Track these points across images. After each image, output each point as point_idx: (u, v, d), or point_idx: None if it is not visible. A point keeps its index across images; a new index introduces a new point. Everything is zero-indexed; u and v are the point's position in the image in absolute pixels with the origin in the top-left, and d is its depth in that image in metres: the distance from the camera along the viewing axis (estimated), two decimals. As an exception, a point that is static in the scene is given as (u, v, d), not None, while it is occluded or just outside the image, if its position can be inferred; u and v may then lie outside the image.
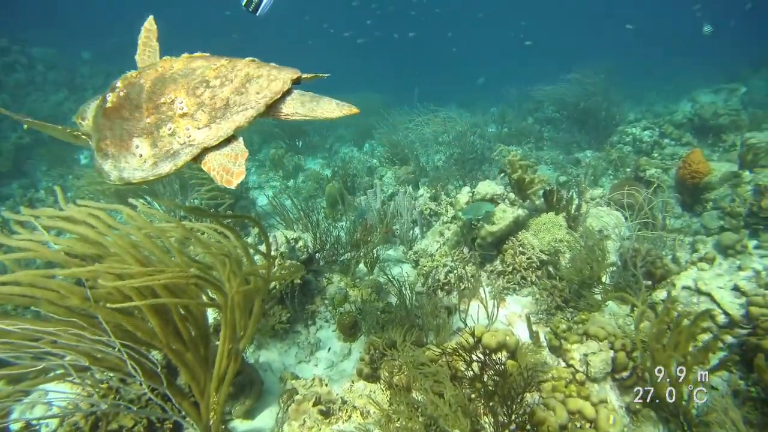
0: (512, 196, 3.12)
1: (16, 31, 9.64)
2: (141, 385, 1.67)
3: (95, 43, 11.43)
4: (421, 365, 1.89)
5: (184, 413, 1.86)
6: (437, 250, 3.31)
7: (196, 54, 1.25)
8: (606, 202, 3.60)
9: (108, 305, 1.50)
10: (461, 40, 26.26)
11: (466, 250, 3.09)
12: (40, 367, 1.43)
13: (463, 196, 3.01)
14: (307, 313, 2.95)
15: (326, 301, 3.08)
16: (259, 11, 2.45)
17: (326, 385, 2.37)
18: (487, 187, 2.99)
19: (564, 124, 7.77)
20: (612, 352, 2.13)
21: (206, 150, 1.13)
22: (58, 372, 1.61)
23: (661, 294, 2.63)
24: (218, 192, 4.17)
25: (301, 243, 3.16)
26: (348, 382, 2.41)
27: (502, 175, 3.49)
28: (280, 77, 1.15)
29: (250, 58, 1.22)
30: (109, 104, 1.19)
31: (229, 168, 1.10)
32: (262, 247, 2.85)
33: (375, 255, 3.55)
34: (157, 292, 1.66)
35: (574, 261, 2.60)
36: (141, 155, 1.15)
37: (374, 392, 2.30)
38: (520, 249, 2.93)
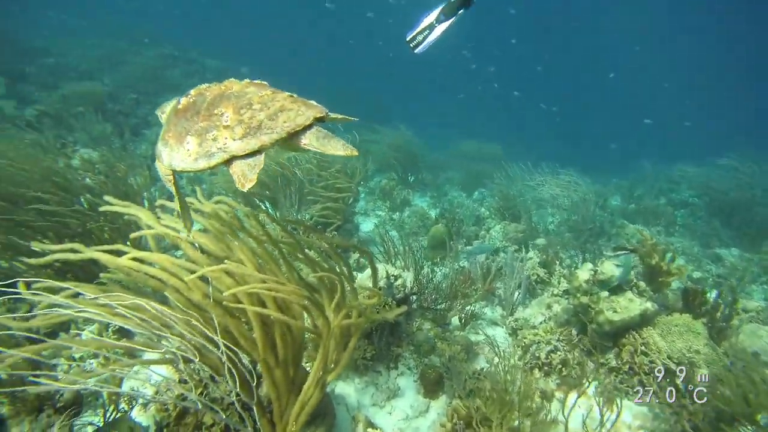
0: (642, 284, 2.75)
1: (201, 44, 11.53)
2: (230, 390, 1.72)
3: (254, 60, 13.11)
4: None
5: (259, 428, 1.87)
6: (541, 324, 3.03)
7: (255, 81, 1.50)
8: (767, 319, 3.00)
9: (227, 303, 1.58)
10: (595, 102, 24.96)
11: (575, 332, 2.78)
12: (163, 350, 1.54)
13: (584, 273, 2.73)
14: (392, 355, 2.87)
15: (412, 348, 2.97)
16: (417, 50, 2.55)
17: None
18: (614, 269, 2.68)
19: (703, 211, 6.87)
20: None
21: (234, 158, 1.34)
22: (167, 356, 1.71)
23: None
24: (330, 212, 4.36)
25: (400, 281, 3.11)
26: (421, 445, 2.25)
27: (620, 253, 3.10)
28: (306, 113, 1.37)
29: (289, 93, 1.46)
30: (180, 106, 1.45)
31: (246, 175, 1.30)
32: (363, 276, 2.87)
33: (471, 311, 3.37)
34: (266, 304, 1.72)
35: (717, 382, 2.17)
36: (188, 150, 1.37)
37: (449, 466, 2.11)
38: (643, 348, 2.54)
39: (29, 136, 4.90)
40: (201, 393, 2.05)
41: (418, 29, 2.58)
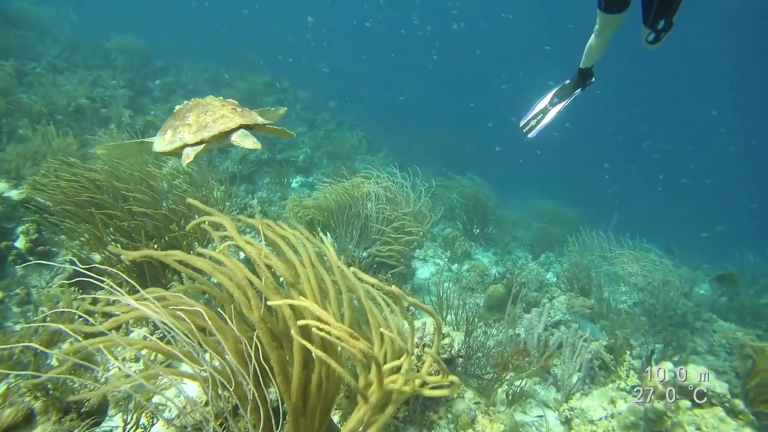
0: (739, 403, 2.29)
1: (295, 77, 12.44)
2: (251, 426, 1.62)
3: (341, 95, 13.84)
4: None
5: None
6: (601, 420, 2.64)
7: (220, 98, 2.15)
8: None
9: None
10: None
11: (644, 441, 2.37)
12: (203, 367, 1.48)
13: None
14: (426, 421, 2.63)
15: (450, 416, 2.71)
16: (530, 135, 2.50)
17: None
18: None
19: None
20: None
21: (186, 145, 1.93)
22: (203, 374, 1.63)
23: None
24: (395, 254, 4.27)
25: (447, 340, 2.90)
26: None
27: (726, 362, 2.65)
28: (236, 120, 1.96)
29: (234, 107, 2.08)
30: (174, 111, 2.12)
31: (189, 155, 1.92)
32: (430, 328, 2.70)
33: (522, 387, 3.05)
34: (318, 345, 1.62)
35: None
36: (165, 138, 2.00)
37: None
38: (731, 482, 2.08)
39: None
40: (221, 424, 1.98)
41: (532, 114, 2.54)
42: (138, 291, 1.52)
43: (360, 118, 12.28)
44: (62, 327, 1.23)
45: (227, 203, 5.74)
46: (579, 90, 2.50)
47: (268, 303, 1.55)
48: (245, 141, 1.95)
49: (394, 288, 1.55)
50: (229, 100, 2.19)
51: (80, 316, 2.73)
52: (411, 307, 4.15)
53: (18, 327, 2.78)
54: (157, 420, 2.02)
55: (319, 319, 1.43)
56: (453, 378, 1.70)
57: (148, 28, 14.50)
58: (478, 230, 7.08)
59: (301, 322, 1.43)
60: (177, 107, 2.13)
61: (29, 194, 3.28)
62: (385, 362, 1.71)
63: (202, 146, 1.97)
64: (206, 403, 1.98)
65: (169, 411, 2.19)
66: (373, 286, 1.80)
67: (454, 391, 1.73)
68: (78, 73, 8.35)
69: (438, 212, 5.28)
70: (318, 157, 9.46)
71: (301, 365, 1.56)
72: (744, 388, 2.52)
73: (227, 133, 1.96)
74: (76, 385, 1.73)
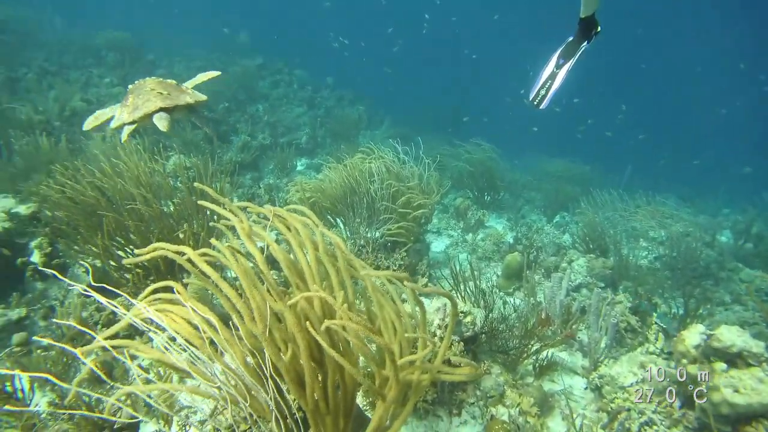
0: (775, 361, 2.23)
1: (289, 56, 12.12)
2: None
3: (337, 71, 13.46)
4: None
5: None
6: (632, 386, 2.61)
7: (167, 80, 2.61)
8: None
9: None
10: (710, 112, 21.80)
11: (678, 404, 2.34)
12: (217, 385, 1.46)
13: (693, 336, 2.28)
14: (455, 401, 2.63)
15: (479, 393, 2.71)
16: (542, 106, 2.32)
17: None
18: (734, 336, 2.21)
19: None
20: None
21: (123, 124, 2.43)
22: (217, 391, 1.58)
23: None
24: (404, 231, 4.19)
25: (470, 318, 2.87)
26: None
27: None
28: (157, 104, 2.41)
29: (162, 89, 2.52)
30: (127, 90, 2.62)
31: (124, 134, 2.45)
32: (429, 309, 2.64)
33: (548, 357, 3.03)
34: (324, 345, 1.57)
35: None
36: (115, 117, 2.51)
37: None
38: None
39: (135, 141, 5.37)
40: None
41: (540, 84, 2.33)
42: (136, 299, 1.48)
43: (359, 92, 11.98)
44: (89, 332, 1.20)
45: (234, 196, 5.68)
46: (585, 43, 2.26)
47: (275, 309, 1.49)
48: (160, 123, 2.38)
49: (408, 283, 1.48)
50: (167, 81, 2.60)
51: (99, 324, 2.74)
52: (429, 283, 4.12)
53: (45, 342, 2.81)
54: (189, 427, 2.04)
55: (329, 316, 1.38)
56: (466, 370, 1.66)
57: (132, 20, 14.17)
58: (489, 197, 6.96)
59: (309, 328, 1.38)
60: (129, 86, 2.62)
61: (37, 208, 3.26)
62: (401, 355, 1.66)
63: (134, 126, 2.44)
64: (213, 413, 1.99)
65: (200, 413, 2.20)
66: (388, 280, 1.75)
67: (472, 373, 1.68)
68: (70, 75, 8.21)
69: (446, 184, 5.16)
70: (321, 137, 9.31)
71: (312, 370, 1.52)
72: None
73: (150, 115, 2.40)
74: (106, 404, 1.73)
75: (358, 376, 1.42)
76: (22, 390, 2.01)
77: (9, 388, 1.90)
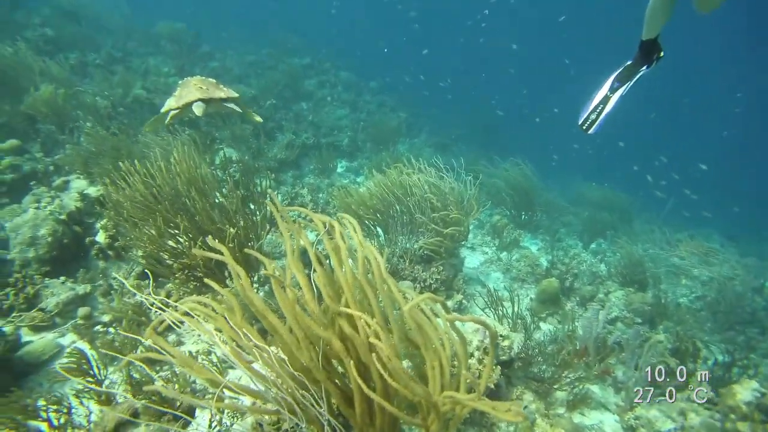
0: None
1: (335, 57, 12.35)
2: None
3: (383, 75, 13.62)
4: None
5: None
6: None
7: (200, 77, 3.26)
8: None
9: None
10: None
11: (718, 457, 2.30)
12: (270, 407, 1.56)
13: (745, 391, 2.25)
14: (486, 423, 2.66)
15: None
16: (591, 130, 2.27)
17: None
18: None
19: None
20: None
21: (171, 109, 3.09)
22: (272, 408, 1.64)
23: None
24: (442, 242, 4.23)
25: (507, 342, 2.90)
26: None
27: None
28: (195, 95, 3.07)
29: (202, 85, 3.15)
30: (179, 83, 3.25)
31: (170, 116, 3.15)
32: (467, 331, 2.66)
33: (582, 390, 3.02)
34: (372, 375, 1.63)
35: None
36: (168, 104, 3.15)
37: None
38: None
39: (188, 131, 5.61)
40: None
41: (591, 107, 2.24)
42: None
43: (401, 99, 12.09)
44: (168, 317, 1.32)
45: (279, 194, 5.84)
46: (645, 68, 2.13)
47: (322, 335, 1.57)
48: (197, 109, 3.01)
49: (449, 315, 1.48)
50: (208, 79, 3.21)
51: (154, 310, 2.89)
52: (464, 301, 4.15)
53: (105, 317, 3.00)
54: (239, 418, 2.16)
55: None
56: (509, 416, 1.70)
57: (187, 11, 14.74)
58: (526, 217, 6.91)
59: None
60: (180, 81, 3.27)
61: (105, 192, 3.47)
62: (442, 389, 1.70)
63: (178, 111, 3.08)
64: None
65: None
66: (429, 308, 1.79)
67: (514, 420, 1.70)
68: (132, 62, 8.64)
69: (486, 203, 5.15)
70: (361, 141, 9.44)
71: (361, 393, 1.57)
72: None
73: (190, 104, 3.04)
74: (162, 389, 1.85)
75: (402, 416, 1.50)
76: (98, 366, 2.18)
77: (85, 366, 2.06)
